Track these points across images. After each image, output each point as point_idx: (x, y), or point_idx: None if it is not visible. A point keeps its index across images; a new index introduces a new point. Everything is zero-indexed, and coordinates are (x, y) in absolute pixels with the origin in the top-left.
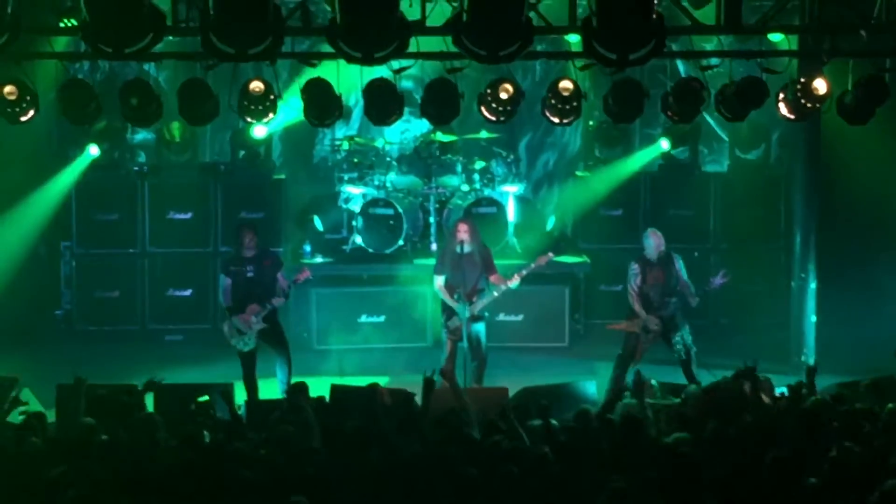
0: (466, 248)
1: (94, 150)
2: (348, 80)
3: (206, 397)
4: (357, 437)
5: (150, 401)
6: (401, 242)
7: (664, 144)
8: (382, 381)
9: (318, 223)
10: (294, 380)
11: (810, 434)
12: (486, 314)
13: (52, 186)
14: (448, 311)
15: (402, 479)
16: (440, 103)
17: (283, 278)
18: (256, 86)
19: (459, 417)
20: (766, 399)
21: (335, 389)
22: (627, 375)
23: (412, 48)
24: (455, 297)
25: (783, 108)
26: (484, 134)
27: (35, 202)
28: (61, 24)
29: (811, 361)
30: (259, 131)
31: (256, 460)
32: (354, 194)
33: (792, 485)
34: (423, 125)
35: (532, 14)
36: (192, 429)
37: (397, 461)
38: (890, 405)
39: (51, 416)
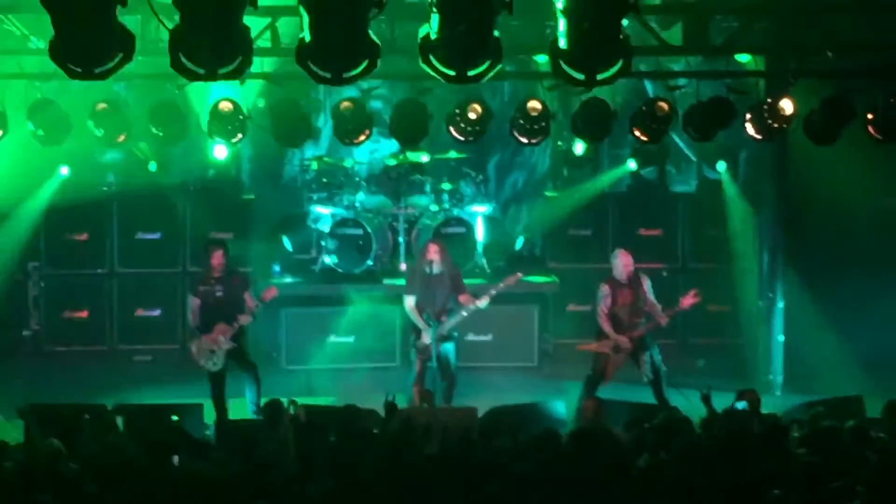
0: (436, 269)
1: (64, 171)
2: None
3: (176, 417)
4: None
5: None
6: (370, 262)
7: (632, 165)
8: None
9: (287, 243)
10: (263, 400)
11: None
12: (456, 334)
13: (25, 207)
14: (417, 331)
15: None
16: (409, 123)
17: (250, 297)
18: (225, 106)
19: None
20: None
21: (307, 410)
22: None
23: (381, 68)
24: (424, 316)
25: (750, 129)
26: (453, 154)
27: (8, 224)
28: (30, 44)
29: (779, 380)
30: (220, 153)
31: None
32: (323, 214)
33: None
34: (392, 145)
35: (500, 34)
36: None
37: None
38: (851, 422)
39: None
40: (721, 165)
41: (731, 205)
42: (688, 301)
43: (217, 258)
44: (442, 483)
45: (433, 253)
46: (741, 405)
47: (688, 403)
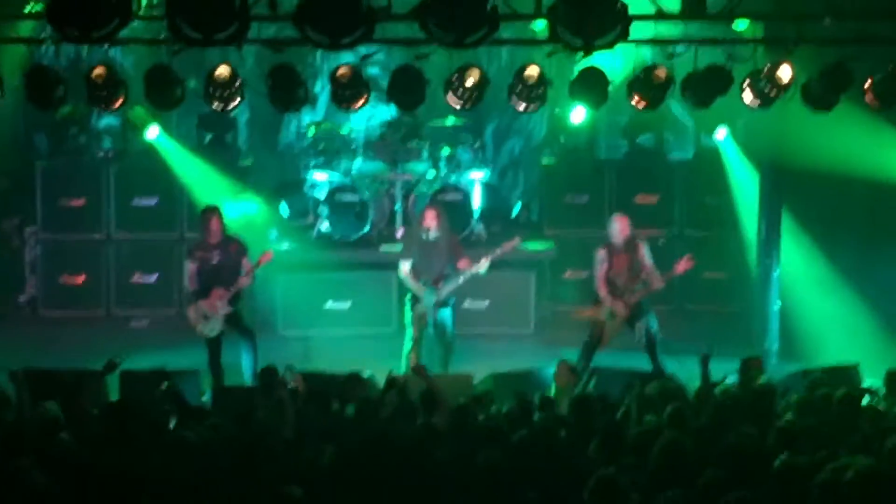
0: (433, 235)
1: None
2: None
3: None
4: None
5: (114, 387)
6: (367, 229)
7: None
8: (349, 367)
9: (283, 209)
10: (259, 366)
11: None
12: (453, 300)
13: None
14: (414, 298)
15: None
16: (406, 89)
17: (248, 262)
18: (222, 71)
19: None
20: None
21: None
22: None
23: (378, 34)
24: (421, 282)
25: (748, 96)
26: (450, 120)
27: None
28: (26, 9)
29: (775, 347)
30: None
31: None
32: (320, 181)
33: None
34: (390, 111)
35: (498, 1)
36: (157, 416)
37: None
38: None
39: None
40: (720, 132)
41: (728, 171)
42: (682, 266)
43: (214, 223)
44: (439, 451)
45: (430, 219)
46: (732, 378)
47: (685, 370)
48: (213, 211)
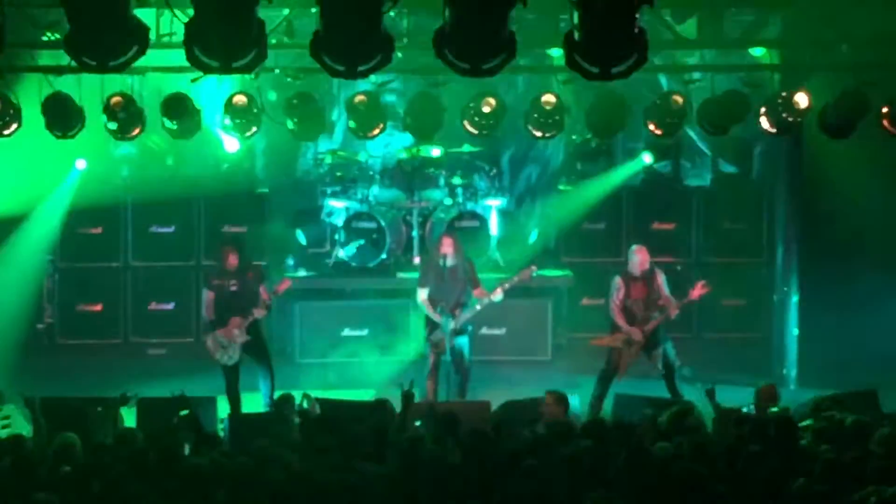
0: (450, 262)
1: (80, 165)
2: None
3: (188, 411)
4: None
5: (132, 415)
6: (384, 256)
7: (647, 159)
8: (366, 394)
9: (301, 237)
10: (277, 393)
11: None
12: (470, 327)
13: (50, 203)
14: (431, 325)
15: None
16: (423, 117)
17: (265, 291)
18: (240, 99)
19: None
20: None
21: (322, 403)
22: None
23: (395, 62)
24: (438, 310)
25: (765, 122)
26: (467, 148)
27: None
28: (44, 38)
29: (794, 374)
30: (231, 146)
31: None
32: (337, 208)
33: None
34: (406, 139)
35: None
36: (171, 442)
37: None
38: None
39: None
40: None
41: (745, 199)
42: (697, 292)
43: (231, 254)
44: (459, 478)
45: (447, 246)
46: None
47: (702, 397)
48: (230, 240)
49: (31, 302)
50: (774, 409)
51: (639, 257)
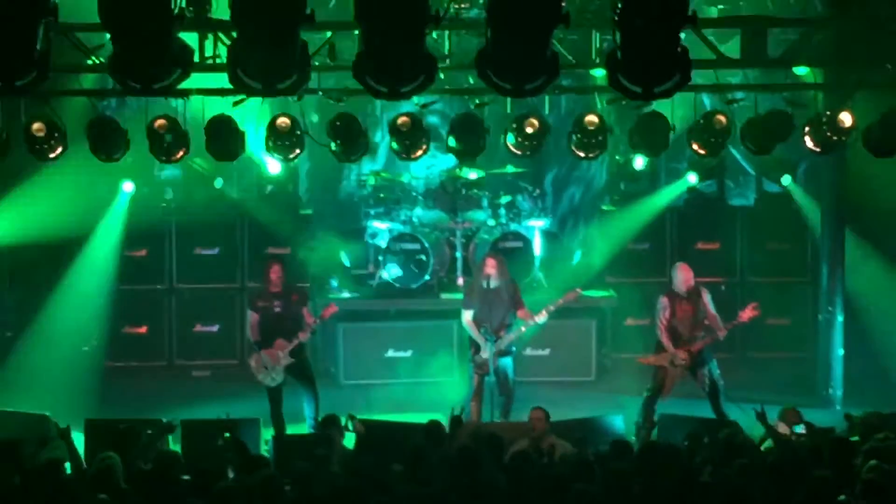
0: (493, 283)
1: (128, 187)
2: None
3: (228, 434)
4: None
5: (177, 437)
6: (427, 277)
7: (691, 178)
8: (410, 416)
9: (344, 258)
10: (321, 415)
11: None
12: (514, 349)
13: (104, 229)
14: (475, 346)
15: None
16: (466, 138)
17: (309, 313)
18: (283, 122)
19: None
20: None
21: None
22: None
23: (437, 83)
24: (482, 331)
25: (809, 141)
26: (510, 168)
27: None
28: (89, 62)
29: (839, 394)
30: (273, 168)
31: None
32: (381, 229)
33: None
34: (450, 160)
35: (558, 49)
36: (214, 465)
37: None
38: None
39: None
40: (786, 179)
41: (789, 218)
42: (747, 314)
43: (275, 273)
44: (505, 500)
45: (490, 267)
46: (798, 428)
47: (747, 418)
48: (274, 261)
49: (86, 326)
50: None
51: (683, 275)
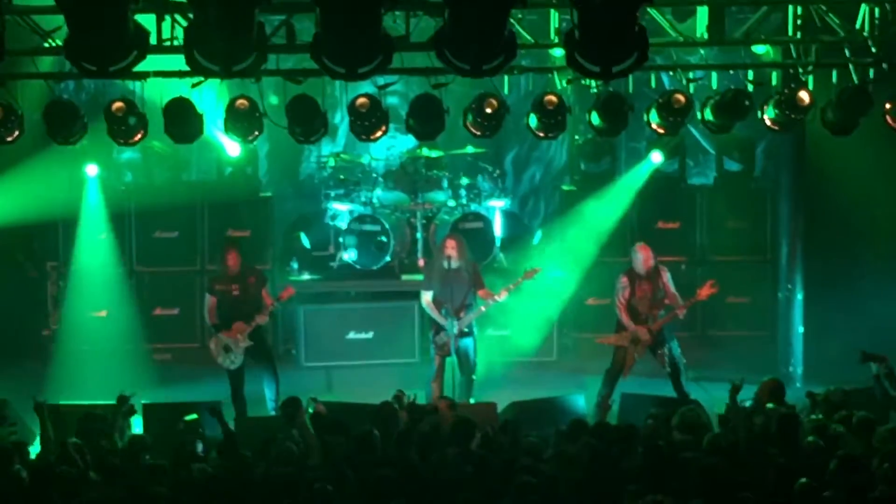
0: (454, 264)
1: (92, 170)
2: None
3: (195, 415)
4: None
5: (138, 421)
6: (388, 258)
7: (656, 157)
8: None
9: (304, 240)
10: (282, 397)
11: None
12: (475, 329)
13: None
14: (436, 327)
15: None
16: (425, 119)
17: (268, 296)
18: (241, 103)
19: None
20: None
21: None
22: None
23: (396, 64)
24: (442, 312)
25: (767, 120)
26: (470, 149)
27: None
28: (45, 45)
29: (799, 372)
30: (232, 150)
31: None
32: (341, 211)
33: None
34: (409, 141)
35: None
36: (180, 448)
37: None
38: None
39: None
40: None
41: (749, 197)
42: (705, 292)
43: (232, 256)
44: (466, 480)
45: (450, 248)
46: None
47: (707, 396)
48: (231, 244)
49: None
50: (771, 406)
51: (642, 255)
